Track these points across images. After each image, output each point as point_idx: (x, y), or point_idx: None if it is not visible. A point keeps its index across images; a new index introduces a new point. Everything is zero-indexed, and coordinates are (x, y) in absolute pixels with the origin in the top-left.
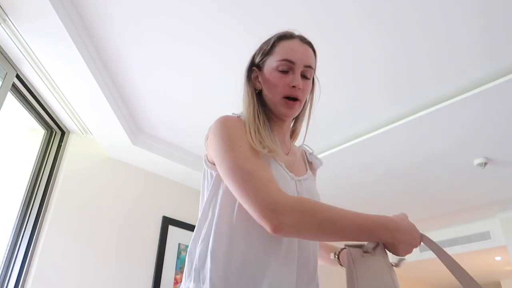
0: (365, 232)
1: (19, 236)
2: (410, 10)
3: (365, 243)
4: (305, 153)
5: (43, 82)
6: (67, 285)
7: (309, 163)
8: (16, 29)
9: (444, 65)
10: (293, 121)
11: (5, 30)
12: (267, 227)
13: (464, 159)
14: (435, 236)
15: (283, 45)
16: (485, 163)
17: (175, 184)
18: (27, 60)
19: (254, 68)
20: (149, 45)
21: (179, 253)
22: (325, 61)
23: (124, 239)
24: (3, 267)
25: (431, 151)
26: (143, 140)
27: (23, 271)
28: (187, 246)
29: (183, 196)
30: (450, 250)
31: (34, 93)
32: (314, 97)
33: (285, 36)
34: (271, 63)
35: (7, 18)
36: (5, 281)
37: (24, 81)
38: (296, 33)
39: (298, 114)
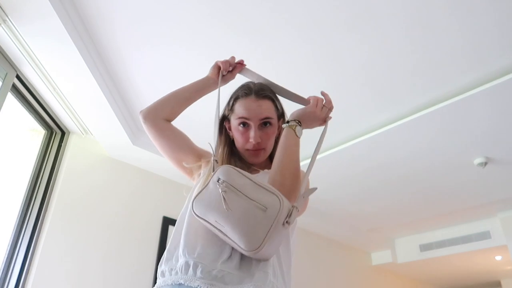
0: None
1: (20, 236)
2: (402, 11)
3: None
4: None
5: (43, 82)
6: (67, 285)
7: None
8: (16, 29)
9: (444, 65)
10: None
11: (5, 31)
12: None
13: (465, 159)
14: (435, 235)
15: (239, 104)
16: (486, 163)
17: (176, 184)
18: (27, 60)
19: (226, 121)
20: (149, 45)
21: None
22: (315, 66)
23: (125, 239)
24: (4, 267)
25: (431, 151)
26: (143, 140)
27: (23, 271)
28: None
29: (184, 196)
30: (450, 250)
31: (34, 93)
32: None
33: (241, 95)
34: (233, 120)
35: (7, 19)
36: (5, 281)
37: (24, 81)
38: (254, 88)
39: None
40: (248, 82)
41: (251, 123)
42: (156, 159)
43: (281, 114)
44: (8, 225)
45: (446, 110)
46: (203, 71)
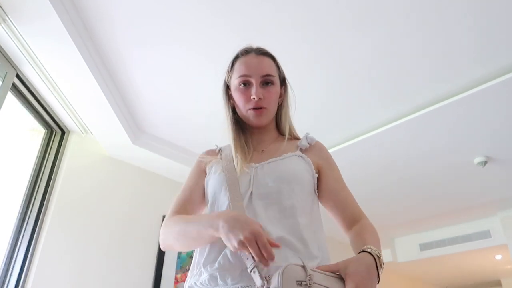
0: (205, 231)
1: (20, 236)
2: (405, 10)
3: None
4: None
5: (43, 81)
6: (67, 284)
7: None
8: (16, 29)
9: (444, 64)
10: (276, 121)
11: (5, 30)
12: None
13: (464, 158)
14: (435, 235)
15: (239, 62)
16: (485, 162)
17: (175, 183)
18: (27, 60)
19: (227, 88)
20: (149, 45)
21: (179, 252)
22: (317, 65)
23: (125, 238)
24: (4, 266)
25: (431, 150)
26: (143, 140)
27: (23, 270)
28: None
29: None
30: (450, 249)
31: (34, 93)
32: (288, 97)
33: (240, 54)
34: (234, 81)
35: (7, 18)
36: (5, 280)
37: (24, 81)
38: (254, 46)
39: (280, 114)
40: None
41: (252, 80)
42: (156, 159)
43: (282, 79)
44: (8, 225)
45: (446, 109)
46: (203, 71)
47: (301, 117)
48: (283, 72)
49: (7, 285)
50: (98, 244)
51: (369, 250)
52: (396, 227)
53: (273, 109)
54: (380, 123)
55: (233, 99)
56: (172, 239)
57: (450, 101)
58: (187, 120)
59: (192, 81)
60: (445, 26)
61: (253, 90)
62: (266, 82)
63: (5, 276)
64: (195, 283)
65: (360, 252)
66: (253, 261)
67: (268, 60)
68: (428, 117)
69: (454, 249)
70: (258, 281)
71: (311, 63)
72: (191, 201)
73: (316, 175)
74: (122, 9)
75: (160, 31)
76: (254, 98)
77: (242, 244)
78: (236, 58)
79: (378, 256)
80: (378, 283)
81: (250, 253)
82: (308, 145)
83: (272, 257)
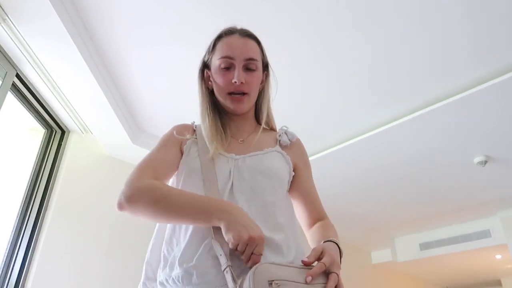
0: (200, 210)
1: (20, 235)
2: (405, 10)
3: None
4: (279, 133)
5: (43, 81)
6: (67, 283)
7: (279, 142)
8: (16, 28)
9: (444, 64)
10: (255, 109)
11: (5, 30)
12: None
13: (464, 158)
14: (435, 234)
15: (222, 43)
16: (485, 162)
17: None
18: (27, 59)
19: (206, 68)
20: (149, 45)
21: None
22: (317, 64)
23: (125, 238)
24: (4, 265)
25: (431, 150)
26: (143, 139)
27: (23, 269)
28: None
29: None
30: (450, 249)
31: (34, 92)
32: (270, 85)
33: (224, 34)
34: (214, 62)
35: (7, 18)
36: (5, 279)
37: (24, 80)
38: (238, 27)
39: (260, 102)
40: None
41: (235, 63)
42: None
43: (265, 65)
44: (8, 224)
45: (446, 109)
46: None
47: (301, 117)
48: (267, 58)
49: (7, 285)
50: (98, 243)
51: (334, 240)
52: (396, 227)
53: (254, 96)
54: (380, 123)
55: (211, 81)
56: (147, 202)
57: (450, 101)
58: (187, 120)
59: (192, 81)
60: (445, 26)
61: (236, 73)
62: (249, 66)
63: (5, 276)
64: (167, 280)
65: (326, 241)
66: (226, 260)
67: (253, 43)
68: (428, 117)
69: (454, 249)
70: (230, 283)
71: (311, 63)
72: (160, 173)
73: (293, 174)
74: (122, 9)
75: (160, 31)
76: (235, 82)
77: (243, 242)
78: (218, 37)
79: (339, 247)
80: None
81: (232, 251)
82: (288, 142)
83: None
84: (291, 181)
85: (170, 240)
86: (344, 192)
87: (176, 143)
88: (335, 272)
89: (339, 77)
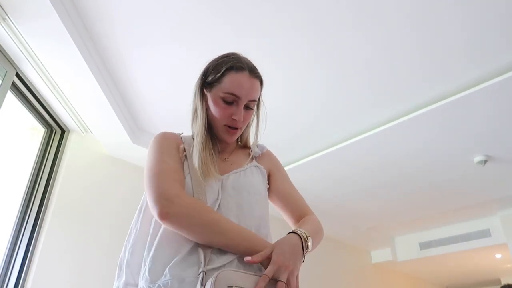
0: (247, 243)
1: (20, 234)
2: (405, 10)
3: None
4: (251, 149)
5: (43, 80)
6: (67, 283)
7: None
8: (16, 28)
9: (444, 63)
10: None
11: (5, 29)
12: (155, 213)
13: (464, 157)
14: (435, 234)
15: (232, 78)
16: (485, 161)
17: None
18: (27, 59)
19: (205, 87)
20: (149, 44)
21: None
22: (317, 65)
23: (124, 237)
24: (4, 265)
25: (431, 149)
26: (143, 138)
27: (23, 269)
28: None
29: None
30: (450, 248)
31: (34, 91)
32: (260, 115)
33: (235, 68)
34: (218, 91)
35: (7, 17)
36: (5, 279)
37: (24, 79)
38: (248, 63)
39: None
40: (235, 53)
41: (239, 102)
42: None
43: (258, 99)
44: (8, 223)
45: (446, 108)
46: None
47: (301, 117)
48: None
49: (7, 284)
50: (98, 243)
51: (298, 232)
52: (396, 226)
53: (244, 128)
54: (380, 123)
55: (206, 101)
56: (196, 223)
57: (450, 100)
58: (187, 119)
59: (192, 81)
60: (445, 26)
61: (237, 111)
62: (249, 105)
63: (5, 275)
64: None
65: (288, 233)
66: (204, 266)
67: (257, 84)
68: (428, 116)
69: (454, 248)
70: (198, 286)
71: (311, 63)
72: (181, 184)
73: (268, 186)
74: (122, 9)
75: (160, 31)
76: (235, 120)
77: (285, 268)
78: (229, 68)
79: (305, 238)
80: (303, 261)
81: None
82: (260, 152)
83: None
84: (269, 187)
85: (155, 245)
86: (344, 192)
87: (178, 153)
88: (281, 281)
89: (339, 77)
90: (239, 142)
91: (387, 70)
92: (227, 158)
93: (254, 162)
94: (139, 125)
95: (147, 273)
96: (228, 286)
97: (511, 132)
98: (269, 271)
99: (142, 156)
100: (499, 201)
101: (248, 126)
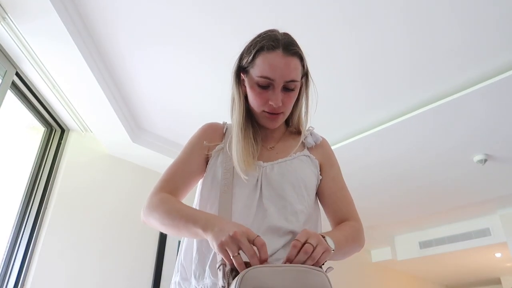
0: (190, 224)
1: (20, 233)
2: (402, 10)
3: None
4: (305, 135)
5: (43, 80)
6: (67, 282)
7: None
8: (16, 27)
9: (443, 62)
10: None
11: (4, 28)
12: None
13: (464, 156)
14: (435, 232)
15: (263, 59)
16: (485, 160)
17: None
18: (27, 58)
19: (242, 72)
20: (149, 43)
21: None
22: (311, 65)
23: (124, 236)
24: (4, 263)
25: (430, 149)
26: (142, 138)
27: (23, 267)
28: None
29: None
30: (450, 247)
31: (34, 91)
32: (309, 94)
33: (266, 48)
34: (252, 75)
35: (6, 16)
36: (5, 278)
37: (24, 79)
38: (282, 39)
39: (293, 110)
40: (273, 30)
41: (274, 84)
42: (155, 156)
43: (305, 73)
44: (8, 222)
45: (446, 107)
46: (203, 70)
47: None
48: (307, 67)
49: (7, 283)
50: (98, 242)
51: (325, 235)
52: (396, 225)
53: (288, 112)
54: (379, 122)
55: (245, 86)
56: (157, 216)
57: (449, 99)
58: (186, 118)
59: (192, 81)
60: (444, 26)
61: (274, 96)
62: (288, 87)
63: (5, 274)
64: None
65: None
66: (221, 258)
67: (295, 62)
68: (428, 116)
69: (454, 247)
70: (220, 281)
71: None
72: (181, 183)
73: (320, 177)
74: (122, 8)
75: (161, 31)
76: (272, 105)
77: (226, 245)
78: (260, 49)
79: (328, 247)
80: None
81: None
82: (313, 144)
83: (260, 257)
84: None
85: (197, 248)
86: None
87: (204, 148)
88: (309, 243)
89: (333, 77)
90: (289, 127)
91: (384, 70)
92: (273, 146)
93: (306, 151)
94: (139, 124)
95: (197, 276)
96: None
97: (511, 131)
98: (301, 236)
99: (142, 155)
100: (499, 200)
101: (296, 108)
